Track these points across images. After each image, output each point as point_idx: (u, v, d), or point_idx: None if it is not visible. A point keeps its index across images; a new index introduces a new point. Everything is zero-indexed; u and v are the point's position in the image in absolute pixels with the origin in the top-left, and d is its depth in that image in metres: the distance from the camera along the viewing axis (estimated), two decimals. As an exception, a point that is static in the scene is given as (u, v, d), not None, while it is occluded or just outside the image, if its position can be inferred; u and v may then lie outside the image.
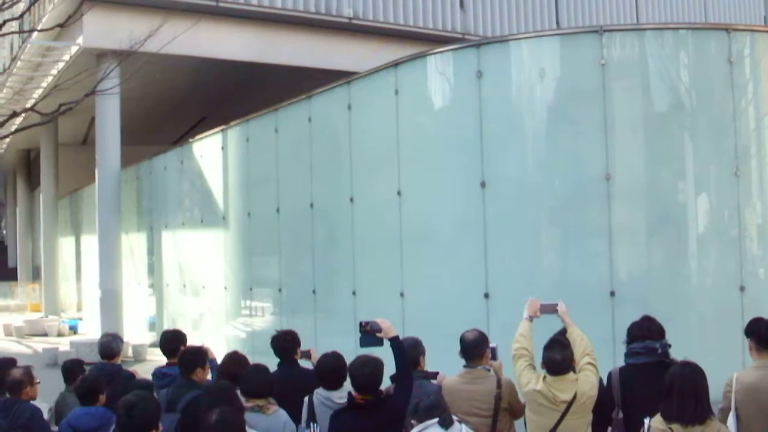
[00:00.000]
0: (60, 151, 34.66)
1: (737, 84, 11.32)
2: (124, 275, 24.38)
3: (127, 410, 5.72)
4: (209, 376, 8.78)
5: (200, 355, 8.44)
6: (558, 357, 6.81)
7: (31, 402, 8.18)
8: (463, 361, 7.69)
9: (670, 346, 7.34)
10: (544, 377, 6.86)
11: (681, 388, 5.98)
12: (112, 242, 23.61)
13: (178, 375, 8.37)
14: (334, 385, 7.44)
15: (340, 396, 7.28)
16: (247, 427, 6.02)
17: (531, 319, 7.45)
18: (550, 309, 7.59)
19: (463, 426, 6.13)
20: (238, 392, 7.28)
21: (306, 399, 7.49)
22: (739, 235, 11.14)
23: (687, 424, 5.90)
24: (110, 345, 9.57)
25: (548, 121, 11.84)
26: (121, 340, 9.84)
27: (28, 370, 8.42)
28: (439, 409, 6.08)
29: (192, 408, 7.18)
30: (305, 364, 8.81)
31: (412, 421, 6.18)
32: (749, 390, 6.84)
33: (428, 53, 12.88)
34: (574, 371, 6.90)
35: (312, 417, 7.37)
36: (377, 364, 6.72)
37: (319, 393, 7.47)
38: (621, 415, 7.28)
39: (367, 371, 6.62)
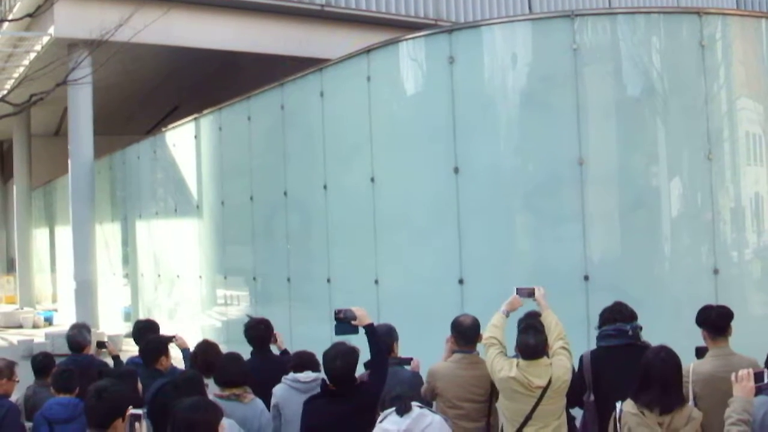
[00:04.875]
0: (33, 142, 34.45)
1: (709, 68, 11.32)
2: (99, 266, 24.28)
3: (97, 393, 5.66)
4: (183, 366, 8.78)
5: (160, 343, 8.44)
6: (532, 341, 6.84)
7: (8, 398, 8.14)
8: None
9: (641, 328, 7.38)
10: (518, 363, 6.87)
11: (656, 376, 6.00)
12: (86, 233, 23.50)
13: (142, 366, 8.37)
14: (299, 367, 7.53)
15: (307, 376, 7.33)
16: (224, 418, 5.99)
17: (507, 314, 7.46)
18: (528, 293, 7.61)
19: (425, 410, 6.14)
20: (211, 381, 7.29)
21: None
22: (712, 218, 11.15)
23: (662, 411, 5.92)
24: (76, 338, 9.52)
25: (521, 107, 11.82)
26: (88, 330, 9.78)
27: (10, 364, 8.34)
28: (402, 399, 6.09)
29: (159, 397, 7.18)
30: (273, 348, 8.84)
31: (380, 412, 6.21)
32: (708, 380, 6.87)
33: (400, 39, 12.83)
34: (548, 356, 6.92)
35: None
36: (350, 356, 6.71)
37: (287, 378, 7.52)
38: (592, 398, 7.31)
39: (339, 365, 6.63)
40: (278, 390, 7.51)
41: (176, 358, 9.34)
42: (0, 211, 46.57)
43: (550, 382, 6.75)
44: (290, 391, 7.38)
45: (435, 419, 6.09)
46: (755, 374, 5.96)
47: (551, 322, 7.18)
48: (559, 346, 7.01)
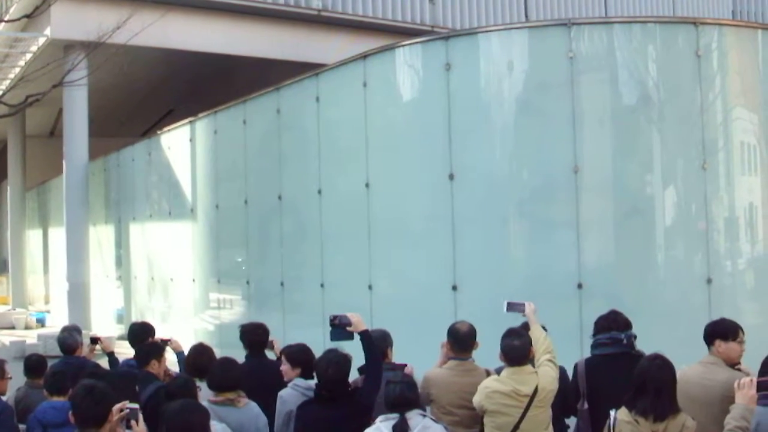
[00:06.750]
0: (27, 143, 34.43)
1: (705, 77, 11.34)
2: (92, 268, 24.28)
3: (87, 390, 5.65)
4: (177, 369, 8.78)
5: (154, 347, 8.43)
6: (516, 343, 6.83)
7: (1, 398, 8.10)
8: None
9: (635, 337, 7.39)
10: (498, 374, 6.92)
11: (651, 382, 6.00)
12: (80, 234, 23.51)
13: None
14: (309, 374, 7.46)
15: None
16: (216, 422, 6.00)
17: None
18: (518, 308, 7.59)
19: (427, 419, 6.13)
20: (204, 385, 7.27)
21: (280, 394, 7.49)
22: (706, 227, 11.17)
23: (657, 419, 5.91)
24: (67, 341, 9.50)
25: (516, 114, 11.83)
26: (79, 332, 9.76)
27: (0, 364, 8.32)
28: (400, 409, 6.10)
29: (151, 402, 7.18)
30: (268, 354, 8.84)
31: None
32: (680, 383, 6.81)
33: (397, 45, 12.84)
34: (533, 365, 6.93)
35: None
36: (341, 364, 6.71)
37: (298, 385, 7.47)
38: (586, 406, 7.31)
39: (331, 372, 6.63)
40: (289, 396, 7.41)
41: (170, 360, 9.35)
42: (-7, 212, 46.57)
43: (536, 391, 6.75)
44: (301, 399, 7.31)
45: (436, 429, 6.12)
46: (759, 383, 5.97)
47: (539, 337, 7.18)
48: (545, 359, 7.01)
